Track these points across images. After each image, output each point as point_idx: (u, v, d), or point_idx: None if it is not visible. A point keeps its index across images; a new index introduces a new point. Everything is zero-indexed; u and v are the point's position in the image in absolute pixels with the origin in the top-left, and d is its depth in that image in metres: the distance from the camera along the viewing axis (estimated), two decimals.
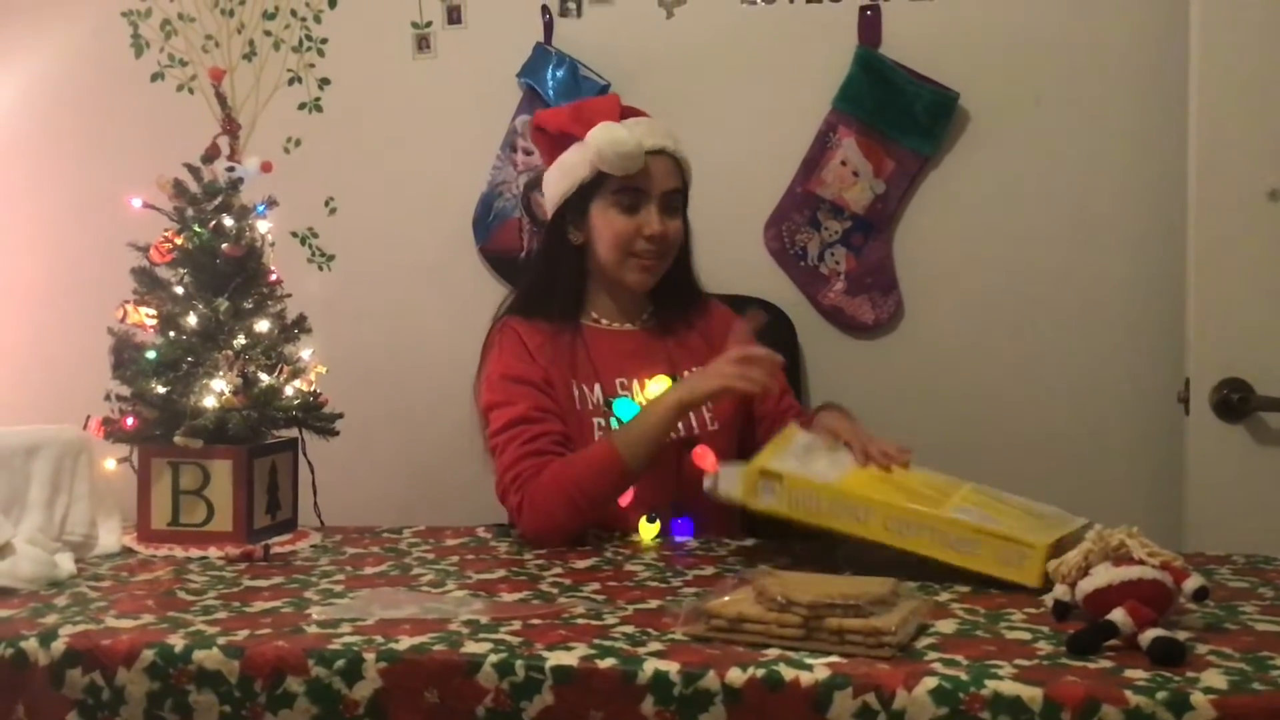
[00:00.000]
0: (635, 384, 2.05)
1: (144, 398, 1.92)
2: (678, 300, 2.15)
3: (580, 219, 2.07)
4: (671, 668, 1.23)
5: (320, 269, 2.79)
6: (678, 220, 2.08)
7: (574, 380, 2.04)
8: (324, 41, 2.78)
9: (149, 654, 1.34)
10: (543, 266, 2.14)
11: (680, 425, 1.98)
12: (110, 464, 1.94)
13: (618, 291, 2.11)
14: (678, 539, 1.94)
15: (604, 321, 2.12)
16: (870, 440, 1.82)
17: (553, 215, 2.11)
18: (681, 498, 1.98)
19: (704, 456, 1.98)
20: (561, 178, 2.07)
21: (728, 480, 1.78)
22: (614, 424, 2.00)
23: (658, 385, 2.04)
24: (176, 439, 1.87)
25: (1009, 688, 1.17)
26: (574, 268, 2.10)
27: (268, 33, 2.79)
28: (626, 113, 2.09)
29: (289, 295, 2.07)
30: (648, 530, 1.92)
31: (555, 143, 2.09)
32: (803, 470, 1.72)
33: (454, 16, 2.73)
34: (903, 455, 1.79)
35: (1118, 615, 1.28)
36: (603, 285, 2.11)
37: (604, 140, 1.99)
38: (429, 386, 2.69)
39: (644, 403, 2.01)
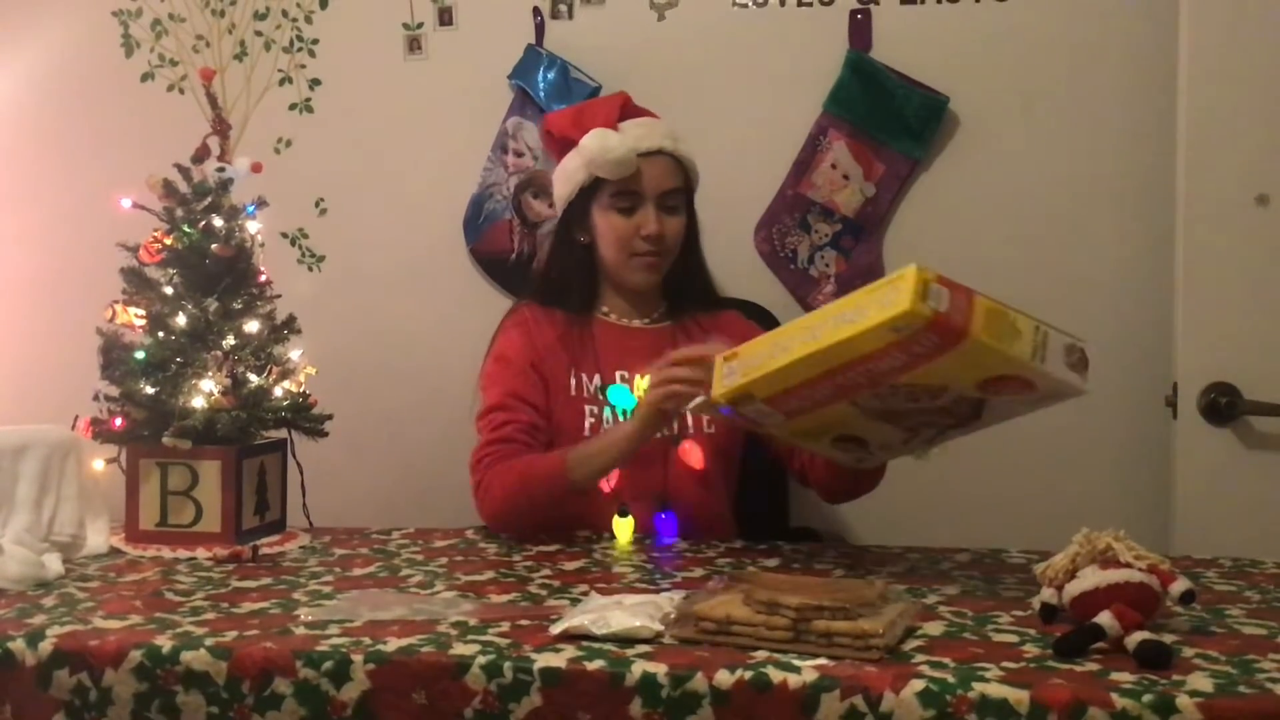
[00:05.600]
0: (636, 377, 2.07)
1: (133, 398, 1.91)
2: (688, 300, 2.19)
3: (584, 220, 2.13)
4: (659, 670, 1.24)
5: (310, 270, 2.79)
6: (677, 219, 2.11)
7: (574, 369, 2.09)
8: (315, 42, 2.78)
9: (136, 655, 1.34)
10: (555, 263, 2.21)
11: (674, 424, 2.00)
12: (99, 464, 1.94)
13: (626, 289, 2.15)
14: (664, 540, 1.95)
15: (614, 317, 2.16)
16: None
17: (560, 216, 2.18)
18: (666, 492, 2.00)
19: (690, 453, 2.02)
20: (564, 182, 2.14)
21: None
22: (607, 412, 2.05)
23: None
24: (165, 439, 1.87)
25: (996, 690, 1.17)
26: (584, 265, 2.15)
27: (259, 33, 2.78)
28: (631, 113, 2.12)
29: (278, 296, 2.07)
30: (621, 527, 1.93)
31: (559, 146, 2.16)
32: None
33: (445, 18, 2.73)
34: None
35: (1104, 618, 1.28)
36: (611, 283, 2.16)
37: (594, 148, 2.06)
38: (419, 388, 2.69)
39: (640, 395, 2.03)
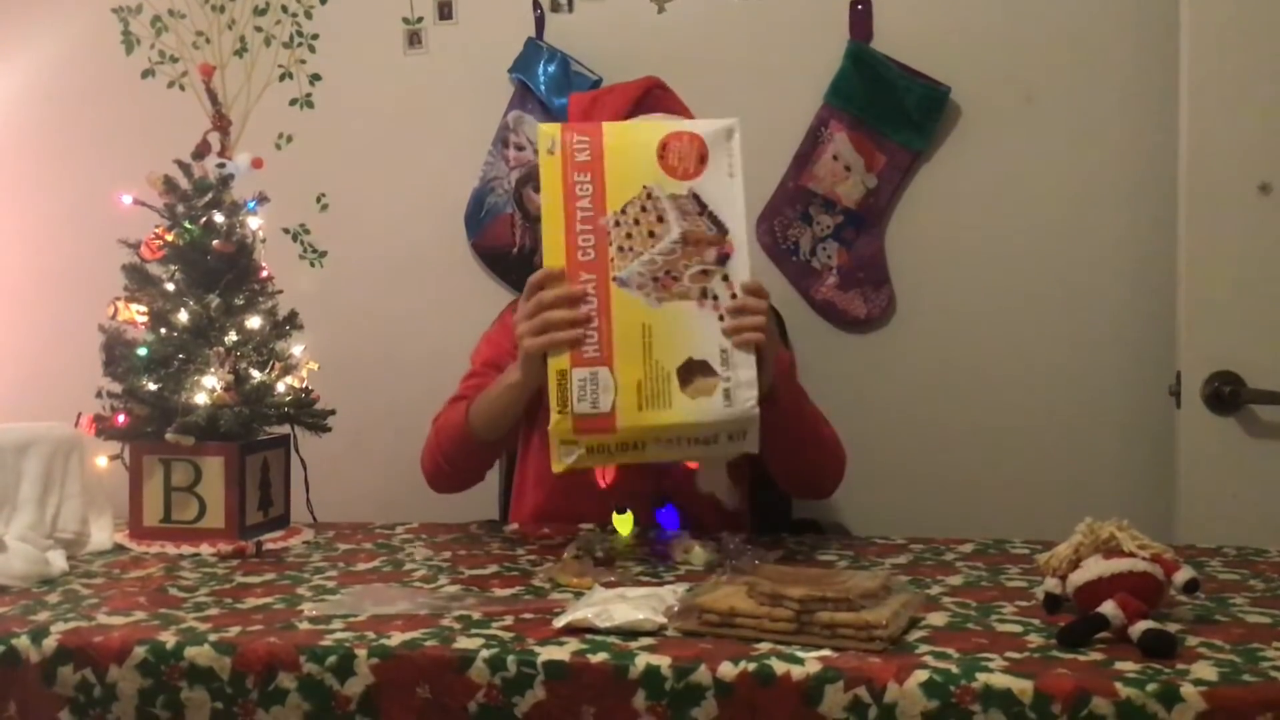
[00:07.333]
0: None
1: (135, 395, 1.91)
2: None
3: None
4: (663, 662, 1.24)
5: (312, 265, 2.79)
6: None
7: None
8: (315, 37, 2.77)
9: (140, 651, 1.34)
10: None
11: None
12: (102, 461, 1.94)
13: None
14: (666, 532, 1.95)
15: None
16: None
17: None
18: (663, 487, 1.99)
19: None
20: None
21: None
22: None
23: None
24: (168, 436, 1.87)
25: (1000, 680, 1.17)
26: None
27: (259, 28, 2.78)
28: (650, 105, 2.07)
29: (280, 291, 2.07)
30: (622, 523, 1.92)
31: None
32: None
33: (445, 12, 2.73)
34: None
35: (1108, 608, 1.28)
36: None
37: None
38: (421, 382, 2.67)
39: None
